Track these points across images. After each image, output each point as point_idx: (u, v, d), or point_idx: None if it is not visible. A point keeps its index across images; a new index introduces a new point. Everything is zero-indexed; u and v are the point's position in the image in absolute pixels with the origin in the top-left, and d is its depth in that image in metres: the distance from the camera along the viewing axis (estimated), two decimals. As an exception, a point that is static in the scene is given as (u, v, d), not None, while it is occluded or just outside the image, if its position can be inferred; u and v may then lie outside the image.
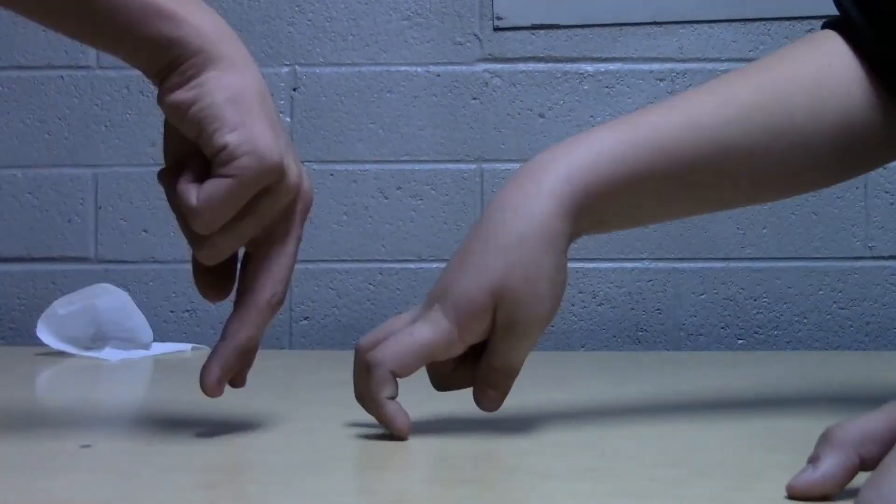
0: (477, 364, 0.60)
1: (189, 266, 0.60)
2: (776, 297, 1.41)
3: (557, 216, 0.57)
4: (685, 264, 1.42)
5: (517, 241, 0.57)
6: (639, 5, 1.45)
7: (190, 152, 0.55)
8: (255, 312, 0.56)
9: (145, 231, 1.44)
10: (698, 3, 1.45)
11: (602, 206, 0.59)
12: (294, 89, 1.45)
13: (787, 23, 1.44)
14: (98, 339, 1.20)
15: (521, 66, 1.44)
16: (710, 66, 1.43)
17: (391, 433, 0.59)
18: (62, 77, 1.46)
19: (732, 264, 1.42)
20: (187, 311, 1.43)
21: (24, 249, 1.45)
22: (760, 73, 0.65)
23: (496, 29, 1.44)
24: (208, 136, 0.52)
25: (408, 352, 0.57)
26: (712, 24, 1.45)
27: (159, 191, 0.58)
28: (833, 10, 0.74)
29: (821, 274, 1.41)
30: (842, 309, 1.41)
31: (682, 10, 1.45)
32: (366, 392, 0.58)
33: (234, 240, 0.55)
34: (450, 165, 1.44)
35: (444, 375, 0.62)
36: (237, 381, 0.60)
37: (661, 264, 1.42)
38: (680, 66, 1.44)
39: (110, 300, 1.21)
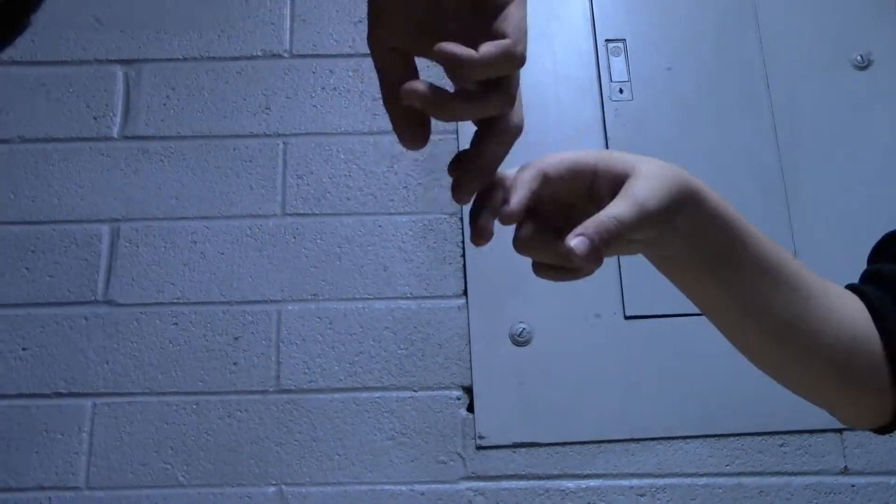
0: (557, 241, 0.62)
1: None
2: None
3: (686, 181, 0.64)
4: None
5: (658, 163, 0.63)
6: (616, 422, 1.51)
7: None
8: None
9: None
10: (673, 420, 1.51)
11: (694, 215, 0.65)
12: (279, 509, 1.46)
13: (760, 437, 1.49)
14: None
15: (504, 484, 1.46)
16: (688, 480, 1.46)
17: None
18: (50, 498, 1.47)
19: None
20: None
21: None
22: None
23: (479, 448, 1.48)
24: None
25: (557, 158, 0.62)
26: (688, 440, 1.49)
27: None
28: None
29: None
30: None
31: (658, 426, 1.51)
32: (519, 178, 0.61)
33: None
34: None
35: (529, 236, 0.63)
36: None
37: None
38: (659, 482, 1.46)
39: None
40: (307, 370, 1.54)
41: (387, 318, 1.56)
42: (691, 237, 0.65)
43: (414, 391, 1.52)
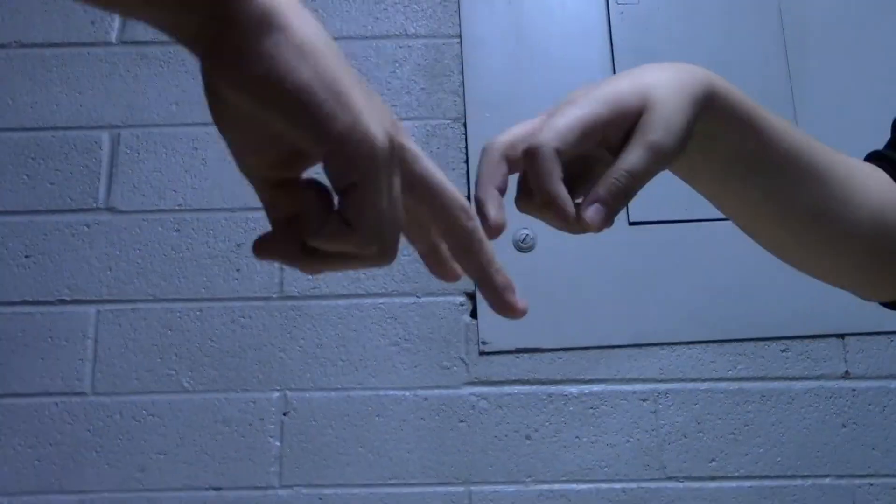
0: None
1: None
2: None
3: (703, 86, 0.60)
4: None
5: (673, 74, 0.59)
6: (619, 328, 1.51)
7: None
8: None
9: (126, 560, 1.41)
10: (676, 326, 1.51)
11: (718, 120, 0.61)
12: (284, 414, 1.47)
13: (762, 343, 1.50)
14: None
15: (507, 389, 1.48)
16: (690, 385, 1.47)
17: (555, 223, 0.55)
18: (56, 404, 1.49)
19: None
20: None
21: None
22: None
23: (482, 353, 1.49)
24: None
25: (567, 126, 0.55)
26: (691, 346, 1.50)
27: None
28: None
29: None
30: None
31: (661, 332, 1.51)
32: (536, 178, 0.55)
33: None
34: (438, 488, 1.43)
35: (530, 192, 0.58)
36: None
37: None
38: (662, 387, 1.47)
39: None
40: (310, 276, 1.53)
41: (390, 225, 1.56)
42: (709, 141, 0.62)
43: (417, 297, 1.52)
